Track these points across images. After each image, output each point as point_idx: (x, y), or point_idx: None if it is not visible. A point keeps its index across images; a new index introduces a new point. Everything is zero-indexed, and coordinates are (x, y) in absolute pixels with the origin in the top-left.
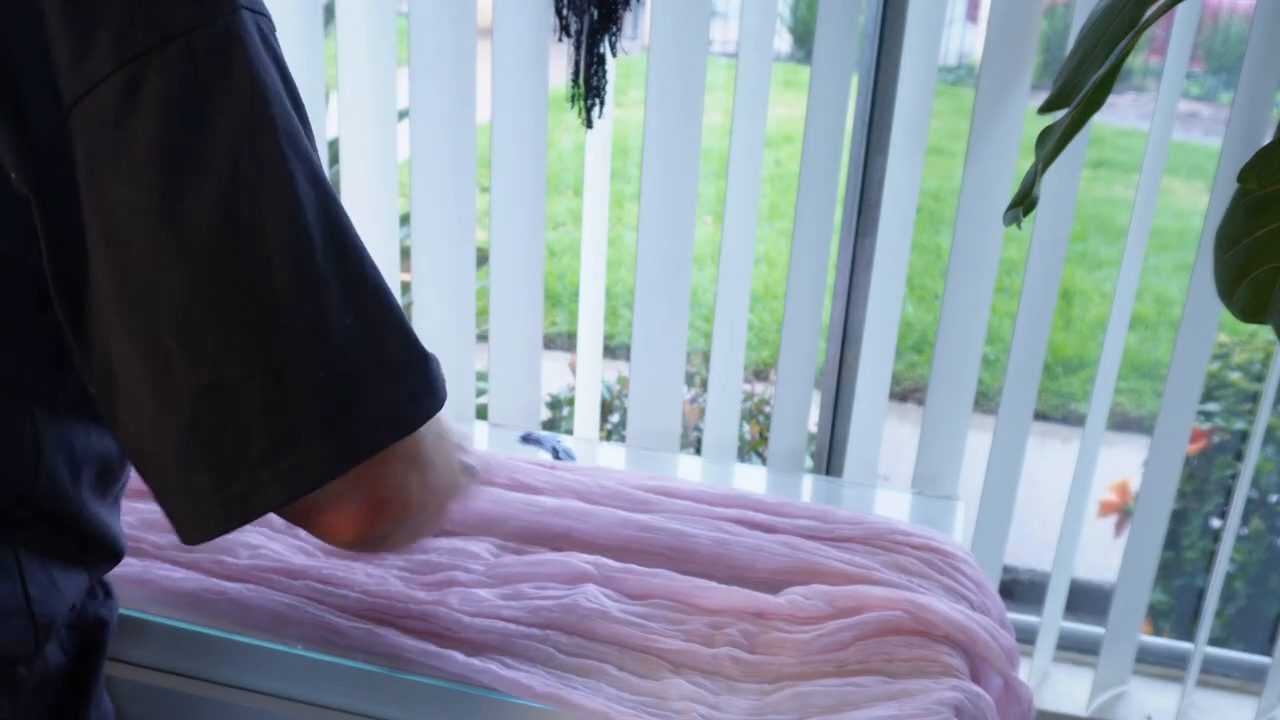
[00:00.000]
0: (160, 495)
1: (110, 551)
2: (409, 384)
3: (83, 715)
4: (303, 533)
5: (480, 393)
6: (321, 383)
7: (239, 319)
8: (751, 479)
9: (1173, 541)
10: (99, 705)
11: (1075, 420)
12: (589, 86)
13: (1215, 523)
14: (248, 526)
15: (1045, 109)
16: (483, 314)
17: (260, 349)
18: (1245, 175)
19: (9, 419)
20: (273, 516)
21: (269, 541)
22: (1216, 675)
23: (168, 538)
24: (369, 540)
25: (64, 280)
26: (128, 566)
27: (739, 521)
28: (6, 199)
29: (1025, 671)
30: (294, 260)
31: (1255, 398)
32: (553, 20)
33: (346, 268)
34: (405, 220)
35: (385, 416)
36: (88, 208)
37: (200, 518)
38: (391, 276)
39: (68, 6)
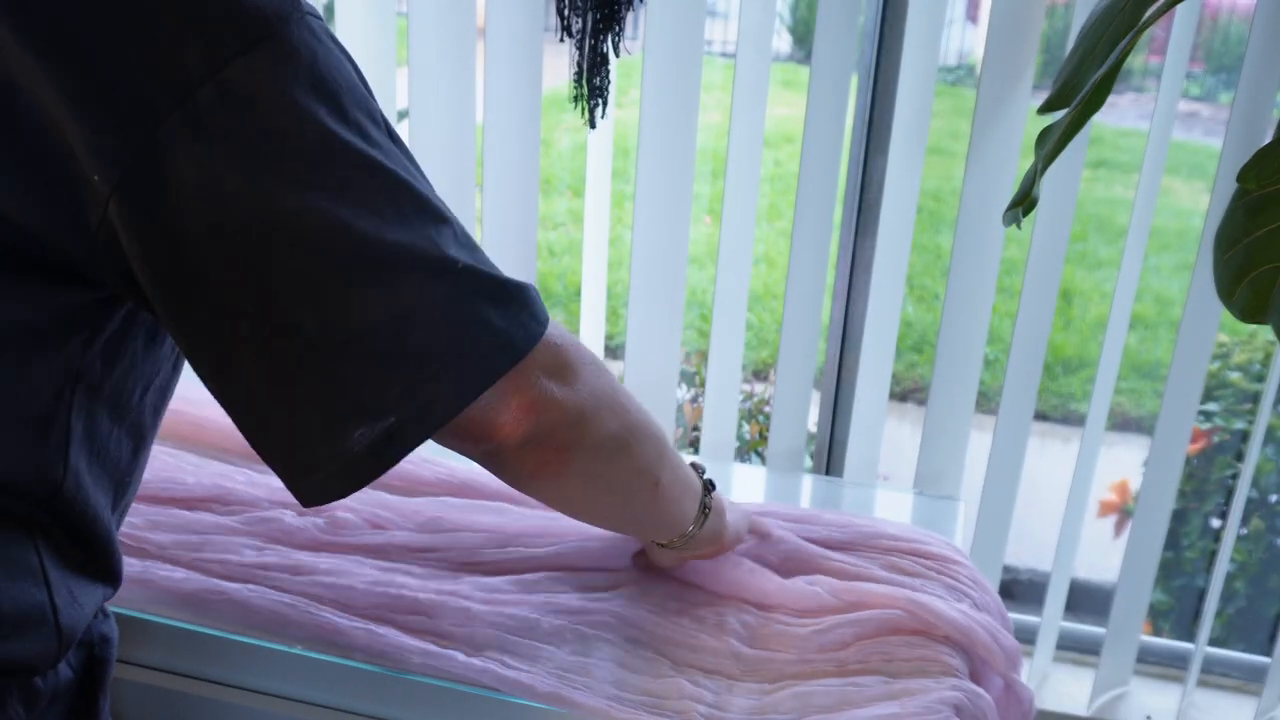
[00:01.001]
0: (294, 465)
1: (114, 573)
2: (516, 314)
3: None
4: (298, 529)
5: None
6: (445, 322)
7: (361, 280)
8: (751, 479)
9: (1173, 541)
10: None
11: (1075, 420)
12: (591, 86)
13: (1215, 523)
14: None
15: (1045, 109)
16: None
17: (389, 303)
18: (1245, 175)
19: (53, 409)
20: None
21: (270, 541)
22: (1216, 675)
23: (170, 535)
24: (539, 442)
25: (162, 281)
26: (128, 567)
27: None
28: (88, 204)
29: (1025, 672)
30: (403, 227)
31: (1255, 398)
32: (546, 20)
33: (442, 224)
34: None
35: (501, 345)
36: (185, 208)
37: (350, 469)
38: None
39: (161, 18)
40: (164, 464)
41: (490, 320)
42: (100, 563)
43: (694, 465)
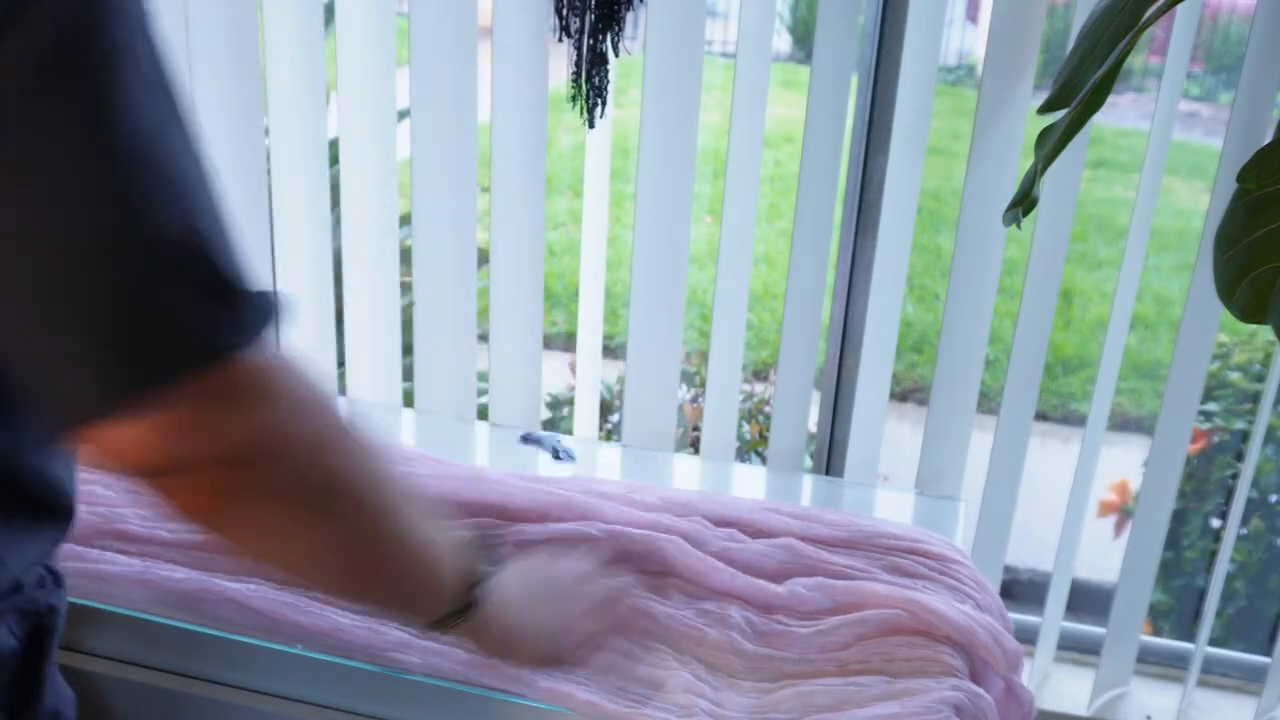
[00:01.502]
0: None
1: (58, 508)
2: (211, 316)
3: (35, 697)
4: None
5: (481, 392)
6: (110, 303)
7: (63, 244)
8: (751, 479)
9: (1173, 541)
10: (52, 688)
11: (1075, 420)
12: (590, 86)
13: (1215, 523)
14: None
15: (1045, 109)
16: (484, 314)
17: (51, 263)
18: (1245, 175)
19: None
20: None
21: None
22: (1216, 675)
23: (172, 534)
24: (174, 476)
25: None
26: (128, 567)
27: (729, 523)
28: None
29: (1026, 672)
30: (102, 180)
31: (1255, 398)
32: (553, 20)
33: (182, 188)
34: (406, 220)
35: (175, 348)
36: None
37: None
38: (391, 277)
39: None
40: None
41: (178, 313)
42: (36, 507)
43: (486, 554)
